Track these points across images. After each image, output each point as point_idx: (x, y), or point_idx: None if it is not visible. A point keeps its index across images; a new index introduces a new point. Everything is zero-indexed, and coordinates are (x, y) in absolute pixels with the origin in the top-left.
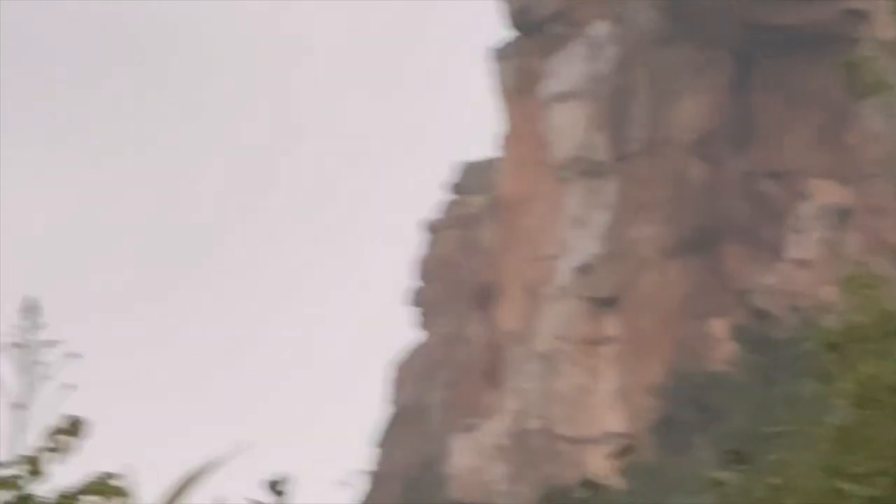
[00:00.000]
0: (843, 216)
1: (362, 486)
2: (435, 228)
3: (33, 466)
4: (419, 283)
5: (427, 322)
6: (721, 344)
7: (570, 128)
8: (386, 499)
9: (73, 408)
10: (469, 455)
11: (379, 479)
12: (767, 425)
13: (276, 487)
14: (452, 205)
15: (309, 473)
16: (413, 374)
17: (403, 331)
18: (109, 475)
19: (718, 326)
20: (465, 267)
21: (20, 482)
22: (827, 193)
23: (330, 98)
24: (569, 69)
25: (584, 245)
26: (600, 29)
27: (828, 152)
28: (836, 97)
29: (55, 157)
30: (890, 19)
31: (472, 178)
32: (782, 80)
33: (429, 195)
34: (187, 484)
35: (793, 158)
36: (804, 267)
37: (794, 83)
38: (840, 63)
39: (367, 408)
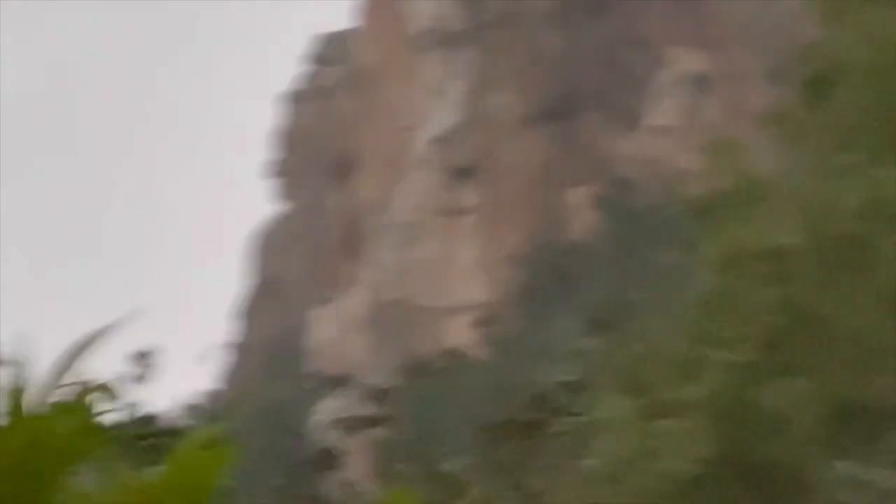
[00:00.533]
0: (702, 83)
1: (225, 358)
2: (295, 99)
3: None
4: (279, 154)
5: (287, 193)
6: (582, 213)
7: None
8: (248, 371)
9: None
10: (329, 327)
11: (241, 351)
12: (630, 293)
13: (142, 359)
14: (312, 76)
15: (174, 347)
16: (274, 246)
17: (264, 202)
18: None
19: (579, 195)
20: (324, 138)
21: None
22: (686, 60)
23: None
24: None
25: (441, 115)
26: None
27: (687, 19)
28: None
29: None
30: None
31: (332, 49)
32: None
33: (289, 66)
34: (79, 353)
35: (651, 26)
36: (664, 134)
37: None
38: None
39: (230, 280)
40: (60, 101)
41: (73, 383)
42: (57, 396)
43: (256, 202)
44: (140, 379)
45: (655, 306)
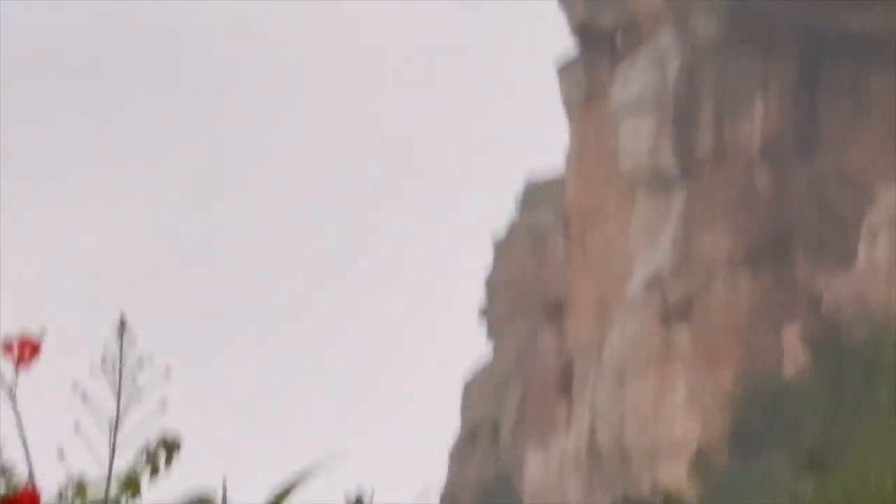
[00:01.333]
0: None
1: (437, 501)
2: (506, 243)
3: (131, 486)
4: (490, 299)
5: (498, 337)
6: (792, 351)
7: (637, 139)
8: None
9: (166, 425)
10: (543, 469)
11: (453, 493)
12: (841, 432)
13: (359, 501)
14: (522, 219)
15: (387, 488)
16: (485, 389)
17: (476, 347)
18: (203, 494)
19: (790, 334)
20: (535, 281)
21: (116, 502)
22: None
23: (399, 109)
24: (634, 80)
25: (653, 256)
26: (665, 39)
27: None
28: None
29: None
30: None
31: (542, 193)
32: (847, 86)
33: (500, 211)
34: (283, 495)
35: (860, 164)
36: (875, 273)
37: (859, 88)
38: None
39: (443, 424)
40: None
41: None
42: None
43: (469, 345)
44: None
45: (867, 445)
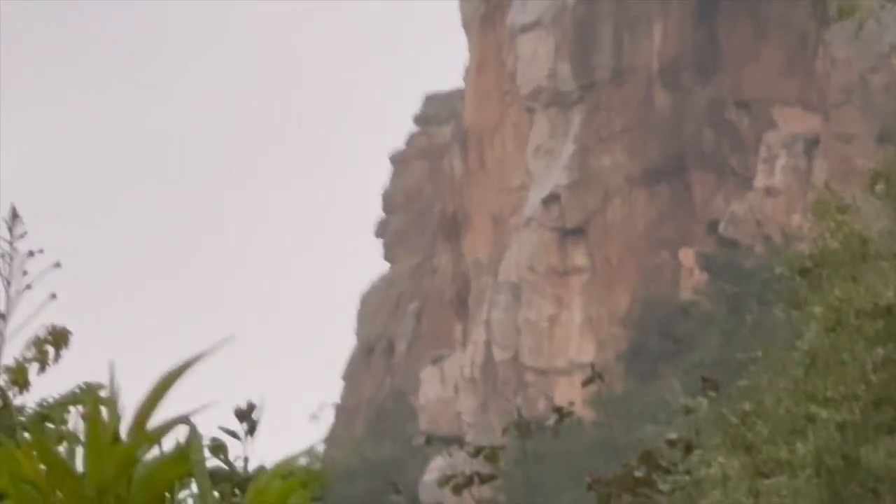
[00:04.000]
0: (810, 144)
1: (331, 418)
2: (401, 160)
3: (17, 377)
4: (386, 215)
5: (394, 254)
6: (690, 273)
7: (535, 58)
8: (354, 431)
9: (54, 317)
10: (438, 386)
11: (347, 411)
12: (737, 353)
13: (246, 416)
14: (418, 136)
15: (280, 405)
16: (381, 306)
17: (371, 263)
18: (91, 384)
19: (687, 255)
20: (432, 198)
21: (2, 393)
22: (795, 121)
23: (291, 25)
24: (534, 0)
25: (550, 175)
26: None
27: (795, 80)
28: (802, 24)
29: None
30: None
31: (439, 109)
32: (747, 9)
33: (396, 126)
34: (170, 381)
35: (760, 86)
36: (773, 195)
37: (760, 11)
38: None
39: (337, 340)
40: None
41: (173, 421)
42: (152, 428)
43: (366, 262)
44: (245, 434)
45: (763, 365)
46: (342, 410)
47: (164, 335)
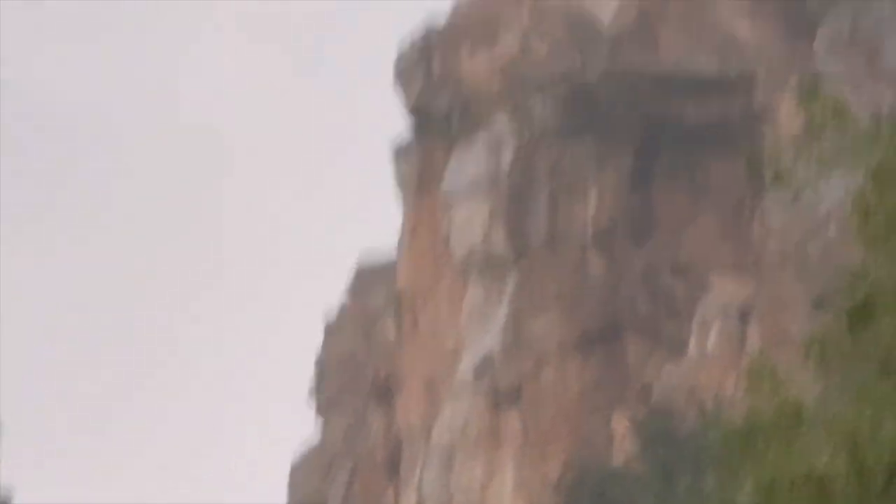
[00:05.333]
0: (745, 310)
1: None
2: (336, 324)
3: None
4: (320, 379)
5: (327, 418)
6: (622, 439)
7: (470, 223)
8: None
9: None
10: None
11: None
12: None
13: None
14: (354, 300)
15: None
16: (313, 470)
17: (305, 427)
18: None
19: (620, 421)
20: (366, 362)
21: None
22: (729, 287)
23: (233, 187)
24: (469, 164)
25: (484, 340)
26: (500, 123)
27: (731, 246)
28: (738, 191)
29: None
30: (792, 114)
31: (374, 274)
32: (683, 175)
33: (331, 290)
34: None
35: (695, 252)
36: (707, 361)
37: (696, 177)
38: (743, 157)
39: None
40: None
41: None
42: None
43: (298, 427)
44: None
45: None
46: None
47: None
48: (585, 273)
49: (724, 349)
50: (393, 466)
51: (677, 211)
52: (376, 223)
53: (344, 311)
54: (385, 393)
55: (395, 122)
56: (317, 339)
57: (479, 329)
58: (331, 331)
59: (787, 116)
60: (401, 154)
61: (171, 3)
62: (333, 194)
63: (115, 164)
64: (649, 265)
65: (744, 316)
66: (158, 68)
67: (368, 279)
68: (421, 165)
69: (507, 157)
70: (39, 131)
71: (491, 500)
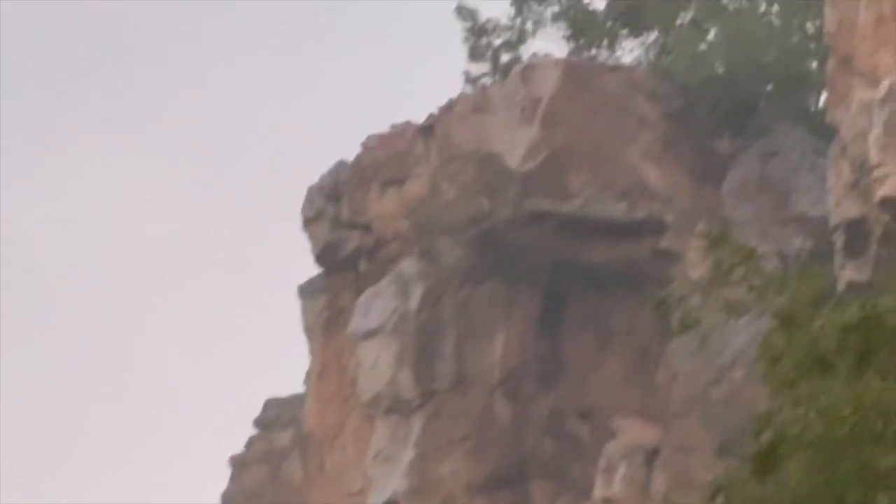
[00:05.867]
0: (650, 455)
1: None
2: (241, 462)
3: None
4: None
5: None
6: None
7: (376, 365)
8: None
9: None
10: None
11: None
12: None
13: None
14: (258, 439)
15: None
16: None
17: None
18: None
19: None
20: (272, 502)
21: None
22: (635, 432)
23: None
24: (376, 306)
25: (389, 481)
26: (409, 265)
27: (636, 391)
28: (645, 336)
29: None
30: (700, 259)
31: (279, 413)
32: (590, 319)
33: (236, 431)
34: None
35: (601, 397)
36: None
37: (603, 321)
38: (650, 301)
39: None
40: None
41: None
42: None
43: None
44: None
45: None
46: None
47: None
48: (492, 415)
49: (628, 493)
50: None
51: (584, 354)
52: (284, 363)
53: (250, 449)
54: None
55: (301, 262)
56: (222, 478)
57: (386, 471)
58: (237, 466)
59: (695, 261)
60: (307, 294)
61: None
62: (242, 334)
63: None
64: (556, 409)
65: (649, 460)
66: None
67: (275, 417)
68: (328, 306)
69: (415, 298)
70: None
71: None
